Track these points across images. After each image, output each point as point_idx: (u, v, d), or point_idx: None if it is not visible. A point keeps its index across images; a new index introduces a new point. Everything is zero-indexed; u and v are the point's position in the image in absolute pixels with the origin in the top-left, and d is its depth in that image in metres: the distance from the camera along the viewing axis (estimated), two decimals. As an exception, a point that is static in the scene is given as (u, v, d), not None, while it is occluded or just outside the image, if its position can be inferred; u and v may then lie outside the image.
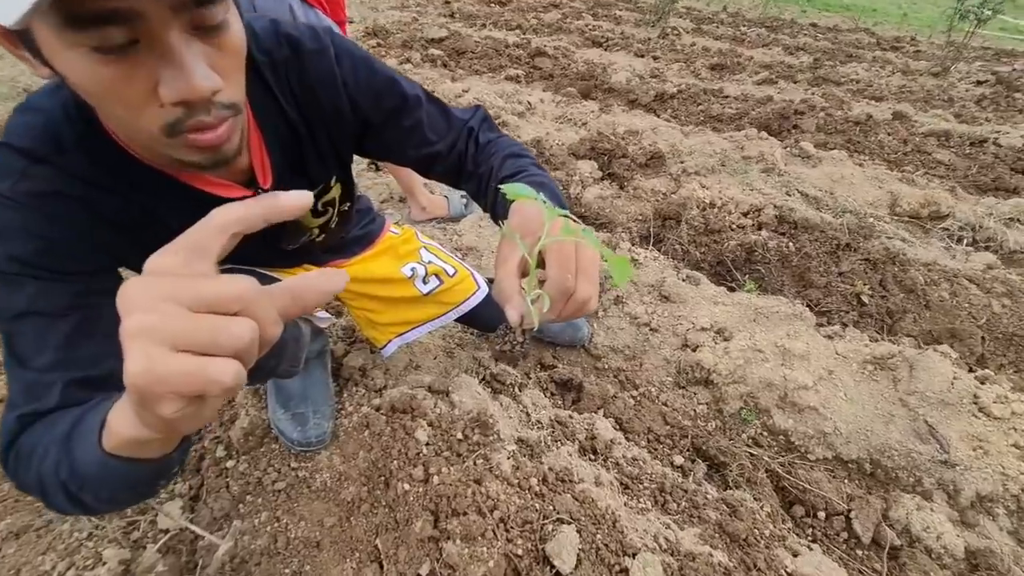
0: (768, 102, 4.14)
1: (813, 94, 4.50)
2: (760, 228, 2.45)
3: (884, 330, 2.11)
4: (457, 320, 1.69)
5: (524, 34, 5.55)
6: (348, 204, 1.05)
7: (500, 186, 0.63)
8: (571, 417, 1.64)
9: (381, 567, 1.09)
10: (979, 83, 5.40)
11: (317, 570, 1.11)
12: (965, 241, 2.67)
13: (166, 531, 1.14)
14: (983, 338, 2.06)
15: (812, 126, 3.77)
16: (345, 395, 1.38)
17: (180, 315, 0.35)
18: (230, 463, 1.27)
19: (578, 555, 1.04)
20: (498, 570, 1.01)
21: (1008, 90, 5.02)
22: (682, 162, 3.05)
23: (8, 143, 0.62)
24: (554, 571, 1.03)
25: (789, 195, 2.77)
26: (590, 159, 2.98)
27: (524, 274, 0.57)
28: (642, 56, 5.41)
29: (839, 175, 3.13)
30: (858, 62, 5.93)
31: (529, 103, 3.90)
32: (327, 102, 0.80)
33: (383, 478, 1.19)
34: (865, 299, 2.17)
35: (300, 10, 1.63)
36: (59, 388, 0.61)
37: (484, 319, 1.63)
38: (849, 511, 1.52)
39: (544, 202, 0.59)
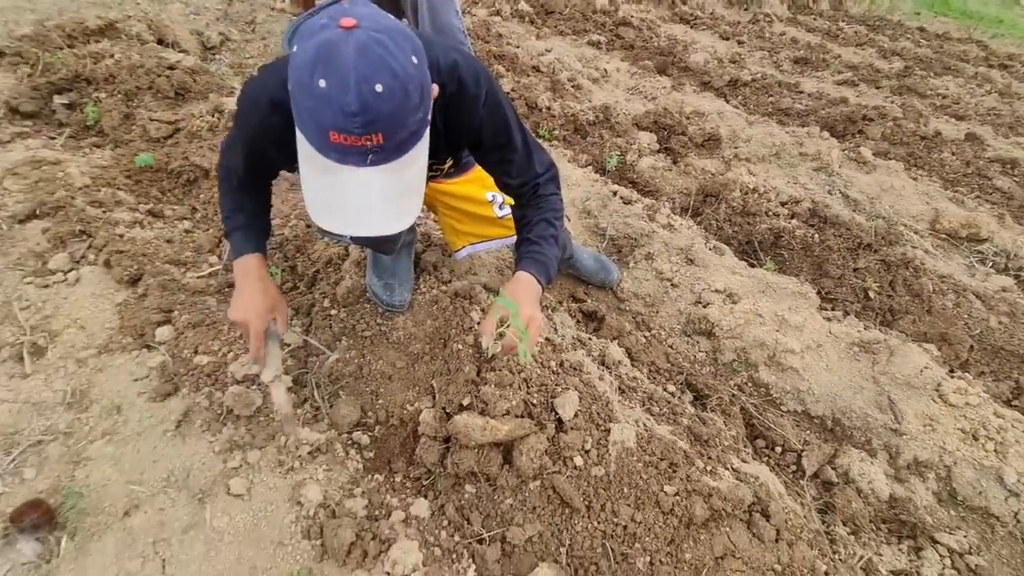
0: (841, 103, 4.20)
1: (892, 103, 4.49)
2: (792, 217, 2.68)
3: (882, 324, 2.36)
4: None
5: (613, 1, 5.65)
6: (453, 163, 1.47)
7: (502, 293, 1.19)
8: (590, 339, 2.02)
9: (433, 397, 1.52)
10: (1079, 118, 5.17)
11: (388, 393, 1.56)
12: (992, 265, 2.82)
13: (289, 344, 1.61)
14: (971, 347, 2.28)
15: (878, 134, 3.84)
16: (421, 280, 1.80)
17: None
18: (333, 311, 1.72)
19: (576, 411, 1.44)
20: (518, 408, 1.41)
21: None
22: (736, 148, 3.26)
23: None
24: (556, 417, 1.43)
25: (831, 193, 2.96)
26: (651, 131, 3.23)
27: (503, 320, 1.18)
28: (727, 39, 5.43)
29: (889, 184, 3.27)
30: (954, 76, 5.73)
31: (605, 70, 4.12)
32: (464, 129, 1.17)
33: (442, 340, 1.61)
34: (872, 294, 2.41)
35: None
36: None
37: None
38: (802, 451, 1.86)
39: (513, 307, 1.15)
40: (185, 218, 2.14)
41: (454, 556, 1.28)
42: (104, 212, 1.94)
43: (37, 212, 1.86)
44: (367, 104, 0.79)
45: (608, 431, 1.43)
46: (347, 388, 1.56)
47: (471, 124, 1.15)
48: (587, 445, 1.39)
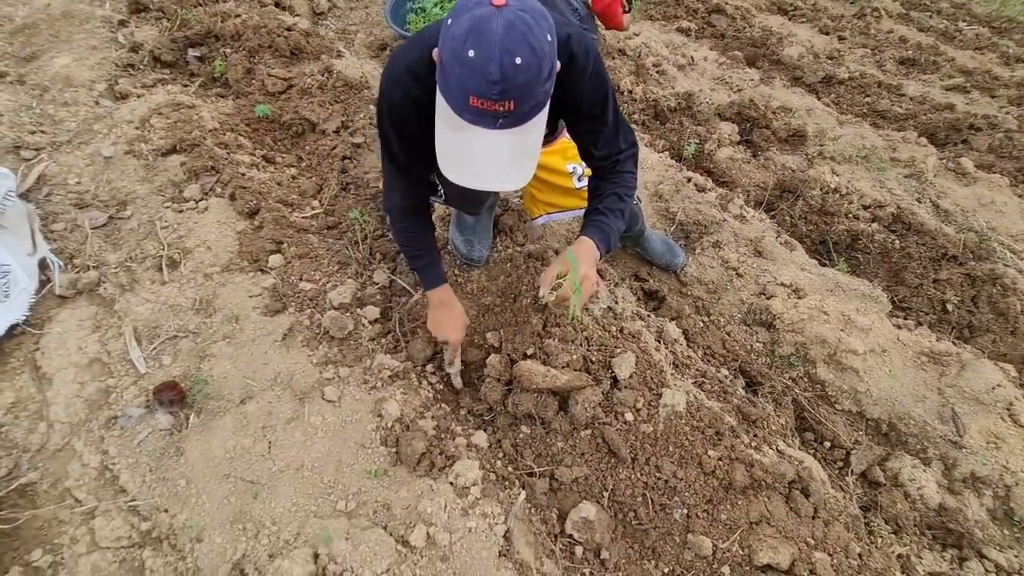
0: (946, 110, 3.93)
1: (1007, 113, 4.15)
2: (874, 221, 2.60)
3: (957, 338, 2.28)
4: None
5: (710, -13, 5.47)
6: (549, 131, 1.55)
7: (568, 250, 1.31)
8: (649, 316, 2.10)
9: (500, 346, 1.67)
10: None
11: (459, 337, 1.72)
12: (1097, 294, 2.62)
13: (377, 283, 1.81)
14: (1056, 373, 2.16)
15: (984, 145, 3.59)
16: (498, 240, 1.94)
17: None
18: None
19: (632, 372, 1.54)
20: (577, 362, 1.54)
21: None
22: (822, 146, 3.16)
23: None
24: (612, 375, 1.54)
25: (919, 201, 2.84)
26: (733, 122, 3.20)
27: (562, 275, 1.28)
28: (826, 33, 5.16)
29: (990, 199, 3.07)
30: (1087, 90, 5.17)
31: (692, 58, 4.06)
32: (568, 98, 1.22)
33: (513, 295, 1.75)
34: (950, 307, 2.32)
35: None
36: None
37: None
38: (852, 449, 1.87)
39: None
40: (292, 165, 2.38)
41: (507, 483, 1.43)
42: (228, 153, 2.20)
43: (176, 148, 2.15)
44: (506, 74, 0.90)
45: (660, 394, 1.53)
46: (424, 328, 1.74)
47: (575, 94, 1.24)
48: (639, 404, 1.49)
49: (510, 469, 1.47)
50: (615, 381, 1.54)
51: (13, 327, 1.58)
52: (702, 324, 2.23)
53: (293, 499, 1.27)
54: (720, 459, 1.40)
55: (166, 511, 1.27)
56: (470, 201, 1.63)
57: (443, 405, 1.57)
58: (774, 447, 1.60)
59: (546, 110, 1.05)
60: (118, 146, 2.17)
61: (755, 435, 1.59)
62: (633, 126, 3.28)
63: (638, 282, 2.34)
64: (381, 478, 1.33)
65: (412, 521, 1.24)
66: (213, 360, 1.54)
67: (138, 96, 2.47)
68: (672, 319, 2.16)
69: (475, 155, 1.04)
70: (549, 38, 0.96)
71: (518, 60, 0.91)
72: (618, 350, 1.59)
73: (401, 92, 1.19)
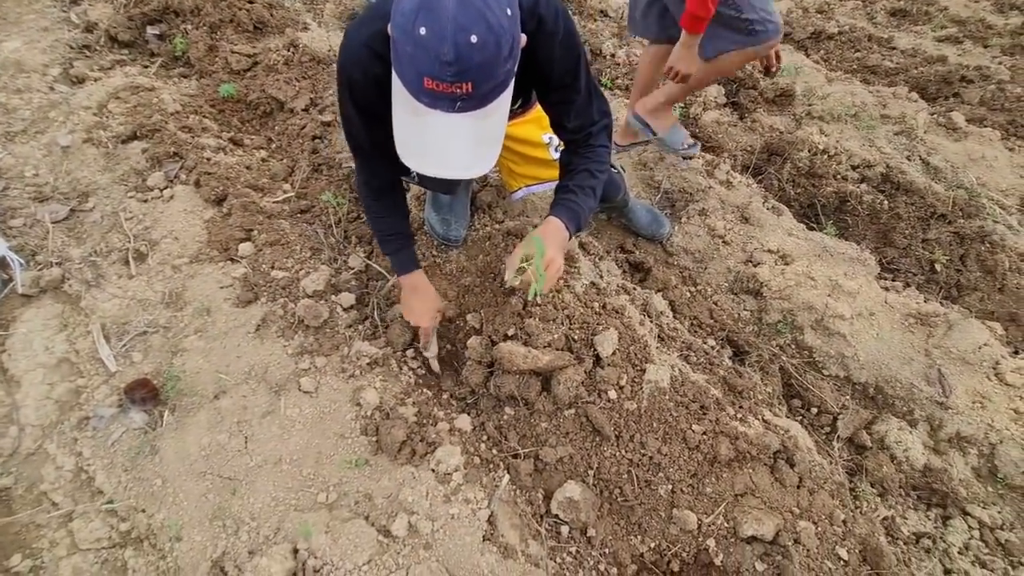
0: (938, 62, 3.83)
1: (999, 64, 4.05)
2: (862, 181, 2.55)
3: (945, 298, 2.26)
4: None
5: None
6: (522, 102, 1.51)
7: (534, 233, 1.26)
8: (635, 288, 2.06)
9: (481, 328, 1.63)
10: None
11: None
12: (1085, 247, 2.60)
13: (352, 268, 1.75)
14: (1043, 329, 2.16)
15: (975, 98, 3.51)
16: (475, 218, 1.89)
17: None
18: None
19: (614, 350, 1.51)
20: (559, 342, 1.50)
21: None
22: (811, 105, 3.08)
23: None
24: (595, 353, 1.51)
25: (909, 159, 2.78)
26: (719, 84, 3.10)
27: (527, 258, 1.27)
28: (817, -14, 4.98)
29: (980, 154, 3.01)
30: (1082, 36, 5.05)
31: (678, 17, 3.92)
32: (538, 66, 1.16)
33: (493, 274, 1.70)
34: (938, 267, 2.30)
35: None
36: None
37: None
38: (838, 414, 1.87)
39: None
40: (262, 147, 2.29)
41: (491, 466, 1.42)
42: (193, 137, 2.11)
43: (137, 134, 2.06)
44: (461, 54, 0.83)
45: (644, 371, 1.50)
46: (399, 312, 1.69)
47: (545, 62, 1.17)
48: (622, 381, 1.47)
49: (494, 452, 1.45)
50: (598, 359, 1.51)
51: (-25, 330, 1.53)
52: (688, 294, 2.20)
53: (272, 494, 1.25)
54: (705, 433, 1.39)
55: (144, 511, 1.25)
56: (445, 181, 1.57)
57: (425, 390, 1.55)
58: (760, 417, 1.59)
59: (510, 90, 0.98)
60: (76, 134, 2.07)
61: (741, 406, 1.58)
62: (616, 91, 3.18)
63: (623, 254, 2.30)
64: (362, 468, 1.31)
65: (394, 511, 1.22)
66: (185, 355, 1.50)
67: (95, 80, 2.35)
68: (658, 291, 2.13)
69: (435, 141, 0.98)
70: (509, 12, 0.88)
71: (473, 38, 0.83)
72: (600, 327, 1.55)
73: (360, 71, 1.11)
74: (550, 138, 1.76)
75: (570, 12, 3.38)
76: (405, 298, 1.51)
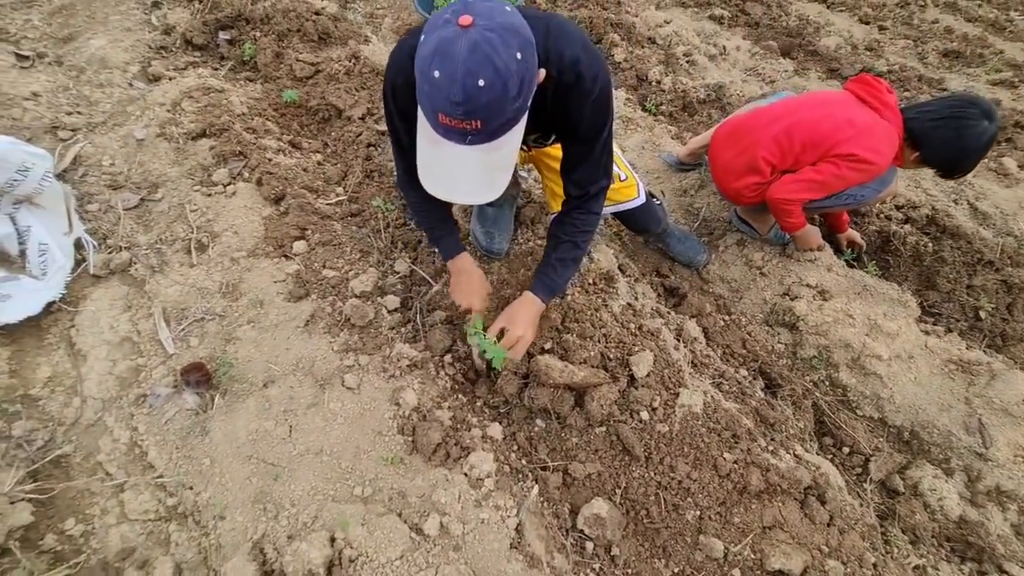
0: (991, 107, 3.76)
1: (1056, 111, 3.95)
2: (907, 222, 2.52)
3: (989, 347, 2.21)
4: (614, 216, 2.15)
5: (745, -28, 5.29)
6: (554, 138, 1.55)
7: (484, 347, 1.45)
8: (669, 313, 2.08)
9: (518, 338, 1.67)
10: None
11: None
12: None
13: (398, 272, 1.82)
14: (1093, 387, 2.08)
15: (1030, 145, 3.43)
16: (519, 232, 1.94)
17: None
18: (437, 249, 1.91)
19: (649, 371, 1.53)
20: (595, 359, 1.53)
21: None
22: (857, 143, 3.06)
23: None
24: (629, 373, 1.54)
25: (956, 203, 2.73)
26: (764, 116, 3.11)
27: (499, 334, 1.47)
28: (867, 23, 4.96)
29: (1032, 202, 2.94)
30: None
31: (724, 47, 3.95)
32: (569, 116, 1.24)
33: (532, 289, 1.75)
34: (983, 315, 2.25)
35: None
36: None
37: (637, 222, 2.10)
38: (871, 456, 1.84)
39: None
40: (318, 151, 2.41)
41: (520, 476, 1.45)
42: (256, 138, 2.23)
43: (206, 132, 2.18)
44: (469, 96, 0.90)
45: (677, 394, 1.52)
46: (444, 317, 1.75)
47: (576, 114, 1.24)
48: (655, 403, 1.49)
49: (524, 462, 1.48)
50: (632, 379, 1.54)
51: (50, 305, 1.64)
52: (723, 323, 2.20)
53: (312, 483, 1.31)
54: (736, 462, 1.40)
55: (191, 488, 1.32)
56: None
57: (460, 396, 1.59)
58: (791, 451, 1.58)
59: (521, 125, 1.04)
60: (150, 129, 2.21)
61: (772, 438, 1.58)
62: (660, 117, 3.23)
63: (659, 278, 2.32)
64: (397, 466, 1.36)
65: (426, 510, 1.26)
66: (238, 343, 1.58)
67: (170, 79, 2.51)
68: (692, 316, 2.14)
69: (446, 168, 1.07)
70: (519, 56, 0.93)
71: (481, 82, 0.90)
72: (636, 348, 1.58)
73: (404, 77, 1.19)
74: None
75: (611, 75, 3.45)
76: (454, 283, 1.58)
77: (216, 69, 2.70)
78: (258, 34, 2.81)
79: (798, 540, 1.33)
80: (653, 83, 3.35)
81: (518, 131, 1.05)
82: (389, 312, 1.68)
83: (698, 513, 1.36)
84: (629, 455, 1.44)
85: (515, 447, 1.52)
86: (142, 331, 1.63)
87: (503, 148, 1.04)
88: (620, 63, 3.46)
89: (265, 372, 1.50)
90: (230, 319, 1.65)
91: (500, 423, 1.56)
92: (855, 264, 2.41)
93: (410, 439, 1.41)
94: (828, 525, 1.37)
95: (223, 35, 2.89)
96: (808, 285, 2.22)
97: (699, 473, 1.38)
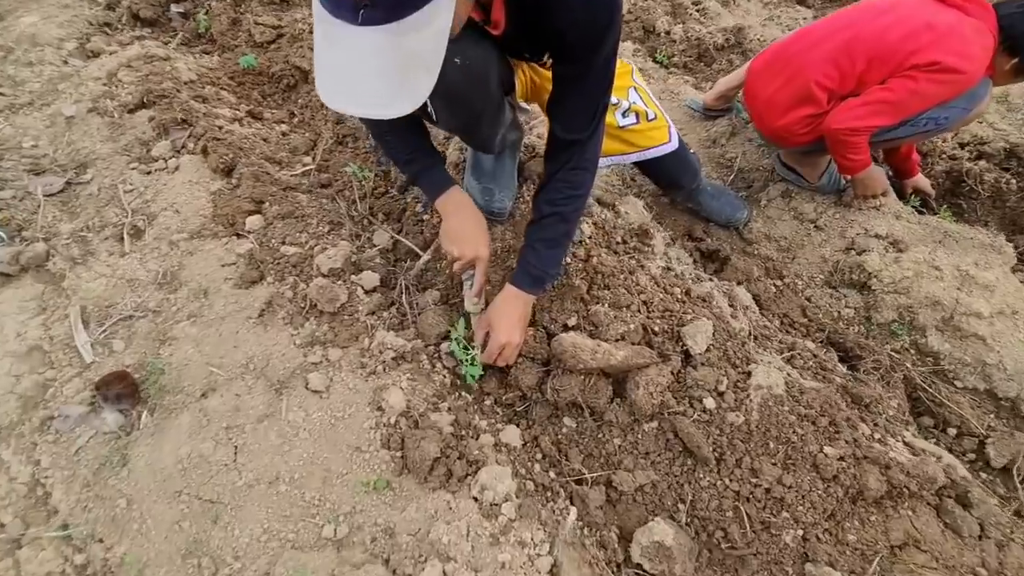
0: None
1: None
2: (979, 158, 2.14)
3: (1103, 297, 1.82)
4: (641, 170, 1.78)
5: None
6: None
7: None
8: (711, 279, 1.71)
9: (534, 316, 1.31)
10: None
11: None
12: None
13: (377, 245, 1.47)
14: None
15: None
16: (524, 189, 1.58)
17: None
18: (425, 216, 1.55)
19: (708, 344, 1.16)
20: (635, 334, 1.17)
21: None
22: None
23: None
24: (683, 349, 1.17)
25: (1032, 134, 2.34)
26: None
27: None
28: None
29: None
30: None
31: (737, -5, 3.58)
32: (550, 15, 0.92)
33: (547, 254, 1.38)
34: (1092, 257, 1.86)
35: None
36: None
37: (667, 174, 1.74)
38: (986, 437, 1.46)
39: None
40: (283, 121, 2.06)
41: (550, 494, 1.08)
42: (208, 108, 1.89)
43: (144, 101, 1.84)
44: None
45: (748, 373, 1.15)
46: (436, 297, 1.39)
47: (560, 11, 0.91)
48: (721, 386, 1.12)
49: (552, 475, 1.12)
50: (687, 356, 1.17)
51: (-60, 311, 1.30)
52: (774, 289, 1.83)
53: (264, 523, 0.95)
54: (842, 459, 1.02)
55: (101, 541, 0.97)
56: (462, 117, 1.20)
57: (462, 393, 1.23)
58: (901, 439, 1.21)
59: (444, 4, 0.68)
60: (81, 104, 1.88)
61: (875, 423, 1.20)
62: (673, 69, 2.85)
63: (692, 242, 1.95)
64: (382, 492, 1.00)
65: (423, 554, 0.90)
66: (174, 344, 1.23)
67: (111, 54, 2.17)
68: (739, 283, 1.77)
69: (338, 63, 0.70)
70: None
71: None
72: (688, 316, 1.21)
73: None
74: (618, 100, 1.45)
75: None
76: (446, 228, 1.20)
77: (166, 43, 2.36)
78: (213, 2, 2.47)
79: (943, 562, 0.95)
80: (661, 34, 2.98)
81: (440, 9, 0.69)
82: (366, 292, 1.32)
83: (799, 532, 0.98)
84: (693, 457, 1.08)
85: (539, 456, 1.16)
86: (55, 337, 1.28)
87: (418, 32, 0.69)
88: (624, 15, 3.09)
89: (205, 378, 1.15)
90: (166, 315, 1.30)
91: (517, 425, 1.20)
92: (923, 211, 2.03)
93: (398, 454, 1.05)
94: (980, 537, 1.00)
95: (175, 7, 2.55)
96: (877, 235, 1.84)
97: (794, 477, 1.01)
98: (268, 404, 1.09)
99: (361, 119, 1.19)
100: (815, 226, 1.94)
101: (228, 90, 2.09)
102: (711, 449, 1.06)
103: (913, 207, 1.96)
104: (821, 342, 1.67)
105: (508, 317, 1.15)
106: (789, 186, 2.03)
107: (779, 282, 1.88)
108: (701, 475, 1.06)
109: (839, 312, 1.79)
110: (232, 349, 1.19)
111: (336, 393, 1.12)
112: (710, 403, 1.10)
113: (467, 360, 1.18)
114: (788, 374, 1.23)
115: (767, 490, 1.02)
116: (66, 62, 2.15)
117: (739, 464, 1.05)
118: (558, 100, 1.08)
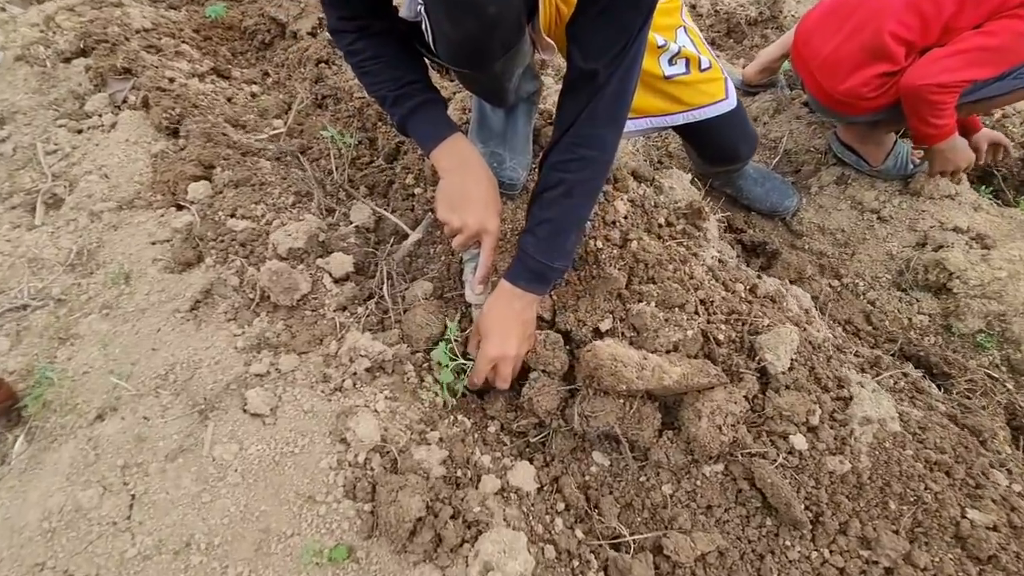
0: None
1: None
2: (1065, 145, 1.85)
3: None
4: (684, 137, 1.45)
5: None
6: None
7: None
8: (759, 278, 1.41)
9: (554, 317, 1.01)
10: None
11: (484, 305, 1.07)
12: None
13: (354, 222, 1.16)
14: None
15: None
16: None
17: None
18: (417, 190, 1.25)
19: (792, 359, 0.86)
20: (694, 342, 0.87)
21: None
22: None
23: None
24: (759, 364, 0.87)
25: (1115, 122, 2.05)
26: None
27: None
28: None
29: None
30: None
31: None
32: None
33: (570, 237, 1.08)
34: None
35: None
36: None
37: (722, 142, 1.38)
38: (1113, 480, 1.17)
39: None
40: (254, 81, 1.75)
41: (577, 563, 0.78)
42: (160, 59, 1.58)
43: (84, 47, 1.53)
44: None
45: (846, 400, 0.85)
46: (428, 289, 1.09)
47: None
48: (813, 417, 0.82)
49: (579, 535, 0.82)
50: (764, 375, 0.87)
51: None
52: (831, 289, 1.55)
53: (162, 616, 0.64)
54: (995, 528, 0.72)
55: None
56: (470, 26, 0.89)
57: (459, 416, 0.93)
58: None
59: None
60: (8, 52, 1.57)
61: (1008, 471, 0.90)
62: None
63: (732, 233, 1.66)
64: (341, 565, 0.69)
65: (395, 673, 0.60)
66: (76, 344, 0.92)
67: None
68: (792, 281, 1.48)
69: None
70: None
71: None
72: (761, 320, 0.91)
73: None
74: (665, 41, 1.15)
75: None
76: (445, 187, 0.89)
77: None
78: (182, -49, 2.16)
79: None
80: (690, 7, 2.69)
81: None
82: (336, 281, 1.02)
83: (941, 634, 0.69)
84: (777, 516, 0.78)
85: (559, 505, 0.85)
86: (-76, 332, 0.97)
87: None
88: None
89: (107, 392, 0.84)
90: (72, 305, 0.99)
91: (531, 460, 0.90)
92: (998, 201, 1.74)
93: (367, 507, 0.74)
94: None
95: (140, -42, 2.24)
96: (957, 229, 1.55)
97: (930, 553, 0.71)
98: (187, 433, 0.78)
99: (342, 51, 0.87)
100: (878, 217, 1.64)
101: (191, 44, 1.78)
102: (803, 507, 0.76)
103: (987, 197, 1.67)
104: (893, 355, 1.37)
105: (501, 323, 0.87)
106: (845, 170, 1.73)
107: (836, 282, 1.59)
108: (789, 543, 0.76)
109: (910, 319, 1.49)
110: (149, 353, 0.88)
111: (285, 418, 0.81)
112: (799, 442, 0.80)
113: (448, 367, 0.88)
114: (898, 402, 0.93)
115: (888, 570, 0.72)
116: (3, 8, 1.84)
117: (844, 530, 0.75)
118: (581, 17, 0.79)
